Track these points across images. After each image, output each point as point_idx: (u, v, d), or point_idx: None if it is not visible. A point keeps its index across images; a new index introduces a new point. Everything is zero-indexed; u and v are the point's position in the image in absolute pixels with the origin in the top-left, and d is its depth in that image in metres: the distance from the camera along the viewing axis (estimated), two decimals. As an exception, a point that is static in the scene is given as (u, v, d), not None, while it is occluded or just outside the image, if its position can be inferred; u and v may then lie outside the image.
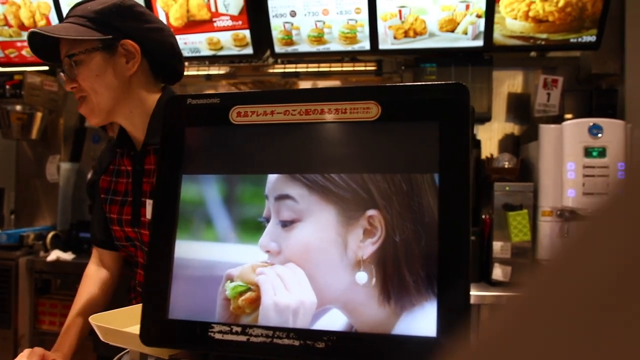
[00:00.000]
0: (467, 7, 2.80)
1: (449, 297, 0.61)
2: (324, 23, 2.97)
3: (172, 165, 0.72)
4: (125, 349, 0.87)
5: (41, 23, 3.28)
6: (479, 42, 2.86)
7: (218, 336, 0.65)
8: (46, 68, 3.46)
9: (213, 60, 3.37)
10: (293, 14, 2.98)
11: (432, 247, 0.62)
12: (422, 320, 0.61)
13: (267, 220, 0.68)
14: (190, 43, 3.16)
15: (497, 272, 2.60)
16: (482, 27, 2.82)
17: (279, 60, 3.34)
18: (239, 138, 0.71)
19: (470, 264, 0.63)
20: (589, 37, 2.74)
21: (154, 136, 1.22)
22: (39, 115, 3.31)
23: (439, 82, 0.66)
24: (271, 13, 2.99)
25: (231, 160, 0.71)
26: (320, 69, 3.35)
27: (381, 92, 0.67)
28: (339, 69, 3.35)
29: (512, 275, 2.58)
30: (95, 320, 0.80)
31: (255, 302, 0.65)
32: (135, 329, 0.74)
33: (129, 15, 1.21)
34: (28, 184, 3.46)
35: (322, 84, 3.76)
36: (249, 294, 0.65)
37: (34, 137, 3.32)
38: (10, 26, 3.34)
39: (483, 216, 2.77)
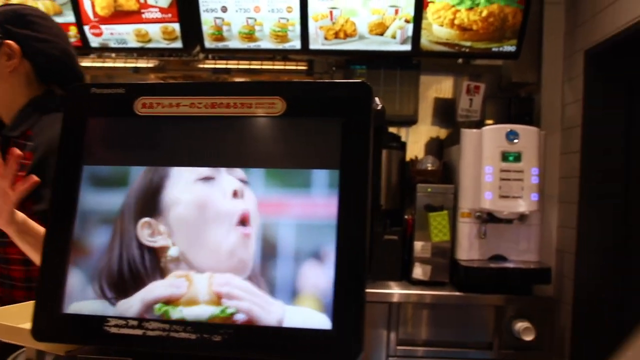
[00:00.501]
0: (397, 11, 2.86)
1: (346, 291, 0.63)
2: (255, 20, 2.96)
3: (73, 155, 0.70)
4: (22, 346, 0.84)
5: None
6: (407, 47, 2.94)
7: (114, 330, 0.64)
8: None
9: (141, 52, 3.29)
10: (224, 9, 2.95)
11: (329, 241, 0.63)
12: (318, 314, 0.63)
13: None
14: (117, 34, 3.07)
15: (418, 271, 2.68)
16: (410, 32, 2.90)
17: (210, 56, 3.30)
18: (143, 129, 0.71)
19: (368, 258, 0.65)
20: (510, 47, 2.87)
21: (13, 129, 1.31)
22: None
23: (344, 81, 0.68)
24: (202, 7, 2.96)
25: (134, 151, 0.70)
26: (252, 67, 3.34)
27: (287, 88, 0.69)
28: (270, 67, 3.35)
29: (431, 274, 2.66)
30: (-12, 314, 0.77)
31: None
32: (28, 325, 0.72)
33: (20, 22, 1.36)
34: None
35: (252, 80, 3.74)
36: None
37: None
38: None
39: (406, 216, 2.85)
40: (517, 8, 2.78)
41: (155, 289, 0.65)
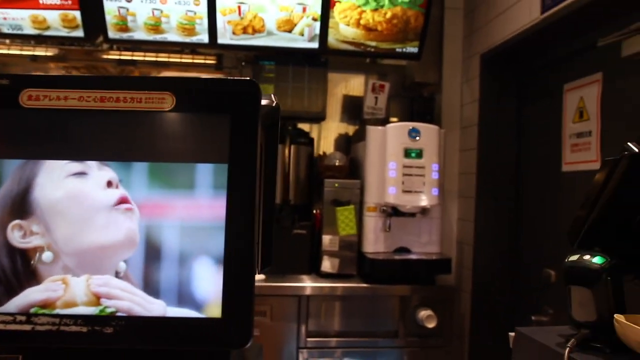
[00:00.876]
0: (304, 9, 2.90)
1: (234, 282, 0.65)
2: (161, 12, 2.90)
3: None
4: None
5: None
6: (315, 44, 2.99)
7: (0, 327, 0.63)
8: None
9: (40, 40, 3.12)
10: (129, -1, 2.87)
11: (218, 232, 0.65)
12: (209, 304, 0.65)
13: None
14: (10, 19, 2.90)
15: (326, 264, 2.74)
16: (317, 30, 2.95)
17: (115, 47, 3.19)
18: (28, 122, 0.69)
19: (256, 250, 0.67)
20: (412, 49, 3.00)
21: None
22: None
23: (233, 78, 0.70)
24: (105, -4, 2.85)
25: (13, 145, 0.69)
26: (159, 59, 3.27)
27: (177, 84, 0.70)
28: (178, 60, 3.29)
29: (339, 267, 2.74)
30: None
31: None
32: None
33: None
34: None
35: (161, 74, 3.66)
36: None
37: None
38: None
39: (314, 211, 2.90)
40: (418, 11, 2.91)
41: (30, 295, 0.64)
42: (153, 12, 2.89)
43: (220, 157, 0.67)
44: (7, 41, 3.18)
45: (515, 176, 2.82)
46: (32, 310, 0.63)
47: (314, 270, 2.81)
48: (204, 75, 3.62)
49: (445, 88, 3.19)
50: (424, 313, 2.59)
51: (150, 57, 3.26)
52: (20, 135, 0.69)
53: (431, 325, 2.58)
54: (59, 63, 3.35)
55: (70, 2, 2.84)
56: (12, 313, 0.64)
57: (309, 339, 2.59)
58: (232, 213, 0.66)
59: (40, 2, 2.84)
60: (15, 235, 0.64)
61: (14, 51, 3.24)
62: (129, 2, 2.87)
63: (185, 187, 0.67)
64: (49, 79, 0.71)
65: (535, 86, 2.68)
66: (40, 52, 3.25)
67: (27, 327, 0.63)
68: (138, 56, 3.27)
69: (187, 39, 2.97)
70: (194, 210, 0.67)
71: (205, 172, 0.67)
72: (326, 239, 2.74)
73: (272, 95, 0.82)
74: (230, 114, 0.68)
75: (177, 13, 2.89)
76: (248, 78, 0.70)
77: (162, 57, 3.27)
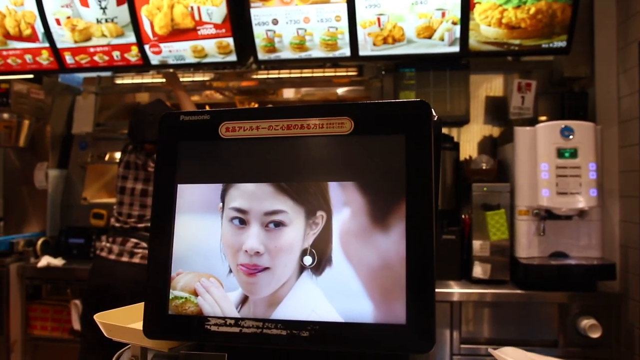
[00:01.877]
0: (443, 14, 2.90)
1: (417, 288, 0.70)
2: (305, 31, 3.06)
3: (168, 175, 0.80)
4: (127, 345, 0.94)
5: (27, 32, 3.33)
6: (455, 48, 2.96)
7: (213, 328, 0.73)
8: (31, 76, 3.51)
9: (198, 67, 3.44)
10: (275, 22, 3.06)
11: (400, 245, 0.71)
12: (393, 310, 0.70)
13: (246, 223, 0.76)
14: (175, 51, 3.22)
15: (477, 270, 2.70)
16: (458, 34, 2.93)
17: (262, 66, 3.42)
18: (227, 151, 0.80)
19: (435, 261, 0.71)
20: (560, 43, 2.86)
21: None
22: (26, 123, 3.36)
23: (405, 100, 0.75)
24: (254, 21, 3.07)
25: (221, 171, 0.79)
26: (303, 75, 3.44)
27: (354, 109, 0.76)
28: (321, 74, 3.43)
29: (491, 273, 2.68)
30: (100, 318, 0.88)
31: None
32: (138, 325, 0.82)
33: None
34: (16, 191, 3.50)
35: (304, 89, 3.85)
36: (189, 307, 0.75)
37: (21, 145, 3.37)
38: (-5, 36, 3.39)
39: (463, 216, 2.87)
40: (565, 4, 2.77)
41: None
42: (298, 32, 3.06)
43: (399, 175, 0.72)
44: (171, 70, 3.53)
45: (687, 172, 2.57)
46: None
47: (465, 276, 2.78)
48: (345, 88, 3.75)
49: (599, 81, 3.00)
50: (586, 322, 2.45)
51: (295, 73, 3.44)
52: (221, 162, 0.80)
53: (595, 335, 2.43)
54: (214, 82, 3.66)
55: (224, 30, 3.10)
56: (223, 317, 0.74)
57: (462, 346, 2.56)
58: (411, 223, 0.70)
59: (199, 33, 3.13)
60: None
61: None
62: (275, 24, 3.06)
63: (367, 202, 0.73)
64: (243, 112, 0.81)
65: None
66: (198, 77, 3.58)
67: (236, 330, 0.73)
68: (284, 74, 3.46)
69: (330, 54, 3.10)
70: (376, 223, 0.72)
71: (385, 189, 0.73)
72: (476, 244, 2.70)
73: (433, 110, 0.85)
74: (405, 134, 0.73)
75: (319, 30, 3.03)
76: (419, 99, 0.74)
77: (306, 73, 3.43)
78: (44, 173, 3.39)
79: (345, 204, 0.73)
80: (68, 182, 3.43)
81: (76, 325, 2.88)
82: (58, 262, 3.01)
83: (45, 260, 2.98)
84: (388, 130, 0.75)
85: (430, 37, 2.97)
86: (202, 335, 0.74)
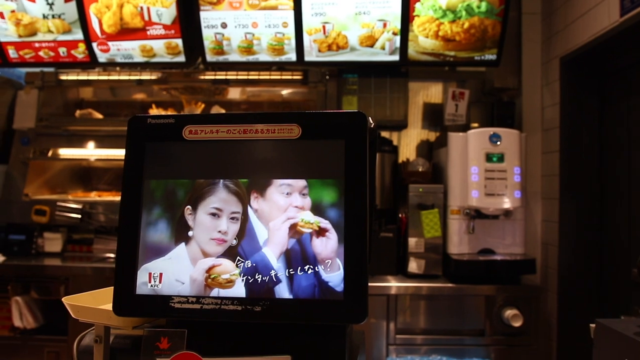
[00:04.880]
0: (385, 25, 3.07)
1: (353, 272, 0.83)
2: (253, 35, 3.16)
3: (136, 171, 0.90)
4: (89, 328, 1.03)
5: (-32, 25, 3.27)
6: (396, 57, 3.14)
7: (177, 306, 0.84)
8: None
9: (145, 66, 3.48)
10: (224, 25, 3.15)
11: (339, 234, 0.84)
12: (332, 288, 0.83)
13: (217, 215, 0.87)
14: (123, 49, 3.25)
15: (413, 266, 2.88)
16: (398, 44, 3.11)
17: (210, 67, 3.49)
18: (190, 151, 0.90)
19: (368, 247, 0.85)
20: (491, 56, 3.09)
21: None
22: (-35, 117, 3.30)
23: (345, 111, 0.88)
24: (203, 24, 3.15)
25: (184, 168, 0.90)
26: (250, 77, 3.54)
27: (302, 117, 0.88)
28: (267, 77, 3.54)
29: (425, 268, 2.87)
30: (68, 300, 0.97)
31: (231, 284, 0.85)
32: (105, 306, 0.91)
33: None
34: (-47, 186, 3.43)
35: (250, 90, 3.94)
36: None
37: (-40, 140, 3.32)
38: None
39: (400, 215, 3.05)
40: (496, 20, 3.00)
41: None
42: (246, 36, 3.16)
43: (339, 173, 0.85)
44: (118, 68, 3.56)
45: (598, 177, 2.84)
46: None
47: (401, 271, 2.96)
48: (290, 90, 3.87)
49: (525, 92, 3.25)
50: (510, 312, 2.67)
51: (242, 75, 3.54)
52: (184, 161, 0.91)
53: (517, 324, 2.65)
54: (161, 85, 3.71)
55: (173, 31, 3.16)
56: (186, 296, 0.85)
57: (398, 336, 2.73)
58: (349, 218, 0.84)
59: (148, 33, 3.18)
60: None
61: (123, 77, 3.61)
62: (224, 28, 3.15)
63: (312, 197, 0.86)
64: (204, 118, 0.92)
65: (619, 86, 2.70)
66: (145, 76, 3.61)
67: (197, 306, 0.84)
68: (231, 75, 3.55)
69: (277, 58, 3.22)
70: (319, 215, 0.85)
71: (327, 185, 0.86)
72: (412, 241, 2.88)
73: (370, 118, 0.99)
74: (345, 139, 0.86)
75: (267, 35, 3.14)
76: (358, 111, 0.88)
77: (253, 75, 3.53)
78: (-16, 168, 3.34)
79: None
80: (8, 178, 3.39)
81: (17, 322, 2.86)
82: (-1, 258, 2.99)
83: (-15, 256, 2.95)
84: (331, 135, 0.88)
85: (372, 46, 3.13)
86: (166, 311, 0.85)
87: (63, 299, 0.97)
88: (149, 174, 0.90)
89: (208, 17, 3.14)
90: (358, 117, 0.87)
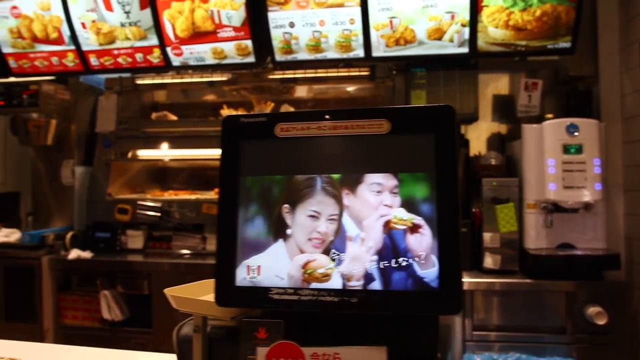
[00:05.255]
0: (453, 17, 3.03)
1: (448, 264, 0.84)
2: (320, 33, 3.19)
3: (232, 169, 0.94)
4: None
5: (53, 35, 3.47)
6: (465, 49, 3.09)
7: (276, 297, 0.87)
8: (52, 78, 3.64)
9: (216, 67, 3.58)
10: (292, 25, 3.20)
11: (432, 229, 0.85)
12: (427, 282, 0.84)
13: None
14: (195, 53, 3.37)
15: (488, 261, 2.83)
16: (466, 35, 3.06)
17: (278, 67, 3.55)
18: (282, 148, 0.94)
19: (460, 239, 0.85)
20: (565, 44, 2.98)
21: None
22: (53, 122, 3.52)
23: (435, 105, 0.89)
24: (271, 24, 3.21)
25: (277, 164, 0.93)
26: (317, 75, 3.57)
27: (391, 112, 0.90)
28: (335, 74, 3.57)
29: (501, 263, 2.81)
30: (170, 292, 1.02)
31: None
32: (205, 297, 0.96)
33: None
34: (43, 187, 3.66)
35: (317, 88, 3.98)
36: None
37: (49, 143, 3.53)
38: (23, 38, 3.53)
39: (473, 209, 3.00)
40: (569, 6, 2.90)
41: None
42: (313, 34, 3.19)
43: (429, 167, 0.86)
44: (190, 71, 3.68)
45: (687, 166, 2.70)
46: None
47: (476, 267, 2.91)
48: (356, 87, 3.88)
49: (603, 79, 3.12)
50: (593, 309, 2.58)
51: (310, 73, 3.58)
52: (277, 157, 0.94)
53: (602, 322, 2.56)
54: (231, 86, 3.80)
55: (243, 33, 3.24)
56: (284, 287, 0.88)
57: (474, 332, 2.70)
58: (442, 212, 0.84)
59: (219, 36, 3.27)
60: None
61: (195, 79, 3.73)
62: (292, 27, 3.20)
63: (404, 193, 0.87)
64: (295, 115, 0.95)
65: None
66: (216, 77, 3.72)
67: (295, 298, 0.87)
68: (299, 74, 3.60)
69: (345, 55, 3.24)
70: (412, 211, 0.86)
71: (418, 180, 0.87)
72: (487, 236, 2.83)
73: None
74: (434, 133, 0.87)
75: (334, 33, 3.17)
76: (446, 104, 0.88)
77: (320, 73, 3.57)
78: (71, 170, 3.54)
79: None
80: (93, 179, 3.58)
81: (106, 314, 3.03)
82: (87, 254, 3.16)
83: (74, 253, 3.13)
84: (420, 129, 0.89)
85: (440, 39, 3.10)
86: (265, 302, 0.88)
87: (165, 291, 1.03)
88: (244, 171, 0.94)
89: (276, 18, 3.20)
90: (447, 110, 0.88)
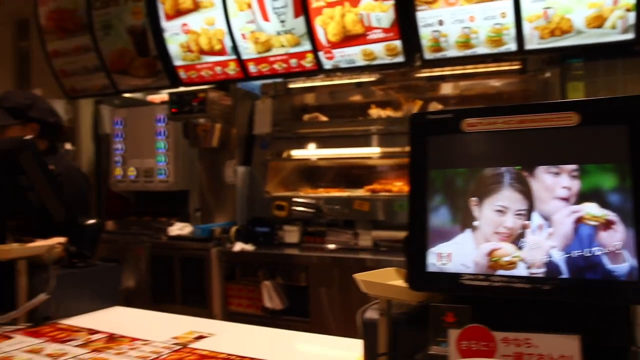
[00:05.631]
0: (615, 2, 2.86)
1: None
2: (470, 29, 3.17)
3: (420, 163, 1.01)
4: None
5: (217, 47, 3.81)
6: (629, 35, 2.90)
7: (467, 282, 0.93)
8: (213, 86, 3.98)
9: (364, 68, 3.69)
10: (441, 22, 3.21)
11: (626, 224, 0.85)
12: (619, 276, 0.85)
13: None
14: (346, 55, 3.51)
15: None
16: (632, 20, 2.86)
17: (426, 65, 3.57)
18: (469, 142, 0.99)
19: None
20: None
21: None
22: (218, 126, 3.86)
23: (628, 96, 0.89)
24: (420, 23, 3.25)
25: (464, 158, 0.99)
26: (466, 71, 3.55)
27: (581, 105, 0.91)
28: (483, 70, 3.52)
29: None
30: (359, 276, 1.12)
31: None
32: (394, 283, 1.04)
33: None
34: (208, 186, 4.03)
35: (463, 84, 3.94)
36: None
37: (214, 145, 3.88)
38: (192, 51, 3.92)
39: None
40: None
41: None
42: (463, 31, 3.18)
43: (622, 160, 0.87)
44: (339, 73, 3.83)
45: None
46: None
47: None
48: (504, 81, 3.79)
49: None
50: None
51: (458, 70, 3.56)
52: (464, 151, 1.00)
53: None
54: (379, 86, 3.90)
55: (392, 34, 3.32)
56: (475, 274, 0.93)
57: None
58: (637, 204, 0.85)
59: (368, 38, 3.38)
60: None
61: (344, 80, 3.88)
62: (441, 25, 3.21)
63: (591, 185, 0.88)
64: (481, 111, 1.00)
65: None
66: (364, 78, 3.84)
67: (486, 284, 0.92)
68: (446, 71, 3.60)
69: (495, 50, 3.19)
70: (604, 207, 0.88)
71: (608, 173, 0.88)
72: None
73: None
74: (629, 124, 0.87)
75: (485, 28, 3.13)
76: (638, 94, 0.88)
77: (469, 69, 3.54)
78: (233, 170, 3.86)
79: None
80: (252, 178, 3.87)
81: (267, 303, 3.27)
82: (249, 247, 3.44)
83: (239, 246, 3.42)
84: (611, 121, 0.89)
85: (600, 27, 2.94)
86: (456, 288, 0.94)
87: (355, 276, 1.12)
88: (431, 165, 1.01)
89: (425, 17, 3.23)
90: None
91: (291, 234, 3.58)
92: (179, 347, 1.49)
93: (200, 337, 1.58)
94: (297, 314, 3.25)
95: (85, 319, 1.79)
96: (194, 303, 3.46)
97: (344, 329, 1.88)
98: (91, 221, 2.01)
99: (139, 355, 1.41)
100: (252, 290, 3.38)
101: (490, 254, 0.95)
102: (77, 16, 4.27)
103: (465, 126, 1.00)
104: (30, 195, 1.90)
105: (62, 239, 1.86)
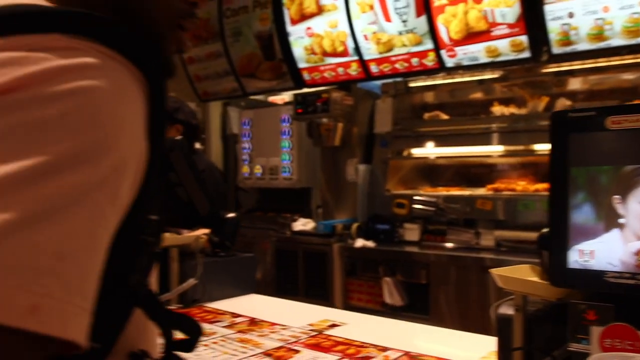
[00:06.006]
0: None
1: None
2: (604, 20, 3.01)
3: (562, 160, 1.02)
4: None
5: (340, 49, 3.92)
6: None
7: (612, 280, 0.93)
8: (327, 87, 4.09)
9: (487, 65, 3.62)
10: (571, 15, 3.08)
11: None
12: None
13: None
14: (469, 53, 3.47)
15: None
16: None
17: (553, 59, 3.43)
18: (613, 139, 0.98)
19: None
20: None
21: None
22: (340, 125, 3.98)
23: None
24: (547, 17, 3.14)
25: (607, 155, 0.99)
26: (598, 65, 3.37)
27: None
28: (618, 62, 3.32)
29: None
30: (496, 271, 1.15)
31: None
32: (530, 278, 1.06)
33: None
34: (330, 183, 4.16)
35: (592, 78, 3.74)
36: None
37: (337, 144, 4.01)
38: (315, 54, 4.06)
39: None
40: None
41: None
42: (595, 22, 3.03)
43: None
44: (460, 71, 3.79)
45: None
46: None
47: None
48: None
49: None
50: None
51: (589, 64, 3.39)
52: (607, 149, 0.99)
53: None
54: (502, 83, 3.81)
55: (517, 29, 3.23)
56: (620, 272, 0.93)
57: None
58: None
59: (492, 34, 3.32)
60: None
61: (466, 78, 3.84)
62: (571, 17, 3.08)
63: None
64: (626, 108, 0.99)
65: None
66: (486, 75, 3.77)
67: (632, 282, 0.92)
68: (575, 65, 3.44)
69: (632, 41, 3.00)
70: None
71: None
72: None
73: None
74: None
75: (620, 18, 2.96)
76: None
77: (601, 62, 3.36)
78: (354, 168, 3.96)
79: None
80: (373, 176, 3.94)
81: (387, 299, 3.33)
82: (370, 244, 3.52)
83: (360, 242, 3.51)
84: None
85: None
86: (600, 285, 0.95)
87: (491, 270, 1.15)
88: (573, 162, 1.01)
89: (553, 10, 3.12)
90: None
91: (411, 232, 3.61)
92: (315, 332, 1.59)
93: (334, 325, 1.67)
94: (418, 312, 3.28)
95: (227, 303, 1.96)
96: (316, 296, 3.59)
97: (463, 327, 1.89)
98: (231, 214, 2.18)
99: (280, 338, 1.53)
100: (372, 286, 3.45)
101: (638, 252, 0.94)
102: (210, 24, 4.58)
103: (610, 123, 0.99)
104: (178, 191, 2.11)
105: (206, 230, 2.05)
